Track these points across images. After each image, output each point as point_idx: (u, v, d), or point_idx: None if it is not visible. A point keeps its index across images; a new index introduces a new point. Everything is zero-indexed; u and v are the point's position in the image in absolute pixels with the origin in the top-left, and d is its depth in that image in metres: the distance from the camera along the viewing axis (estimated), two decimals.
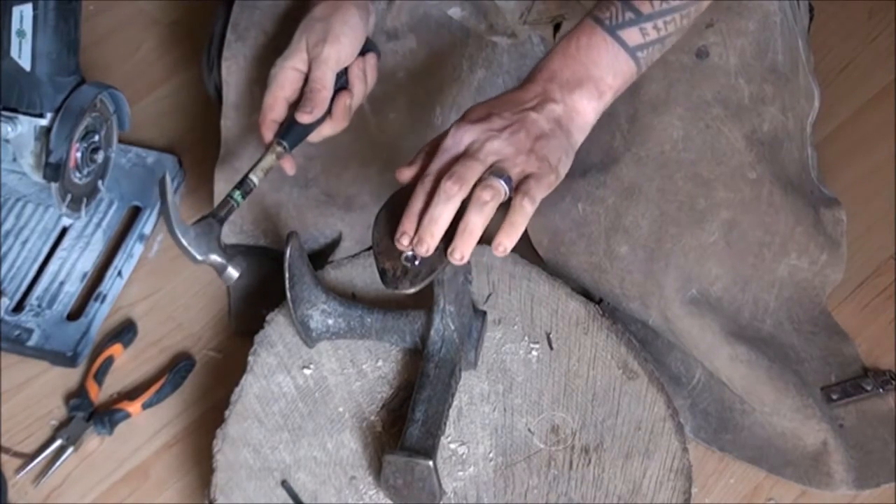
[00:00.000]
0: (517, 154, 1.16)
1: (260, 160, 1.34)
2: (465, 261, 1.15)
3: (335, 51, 1.35)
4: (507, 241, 1.14)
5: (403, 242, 1.16)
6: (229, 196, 1.31)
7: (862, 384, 1.47)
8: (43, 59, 1.40)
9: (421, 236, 1.15)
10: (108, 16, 1.82)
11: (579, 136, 1.21)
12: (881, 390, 1.46)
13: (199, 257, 1.27)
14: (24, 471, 1.41)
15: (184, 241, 1.26)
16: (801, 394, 1.41)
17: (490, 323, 1.43)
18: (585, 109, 1.20)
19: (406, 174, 1.21)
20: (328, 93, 1.35)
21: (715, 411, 1.44)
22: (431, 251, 1.15)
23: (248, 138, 1.54)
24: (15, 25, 1.38)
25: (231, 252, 1.31)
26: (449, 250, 1.15)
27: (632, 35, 1.21)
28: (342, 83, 1.38)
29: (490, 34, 1.55)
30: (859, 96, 1.76)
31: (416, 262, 1.17)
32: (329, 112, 1.36)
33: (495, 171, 1.15)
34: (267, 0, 1.54)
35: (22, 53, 1.40)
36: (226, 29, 1.54)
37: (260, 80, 1.52)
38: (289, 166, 1.37)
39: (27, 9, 1.37)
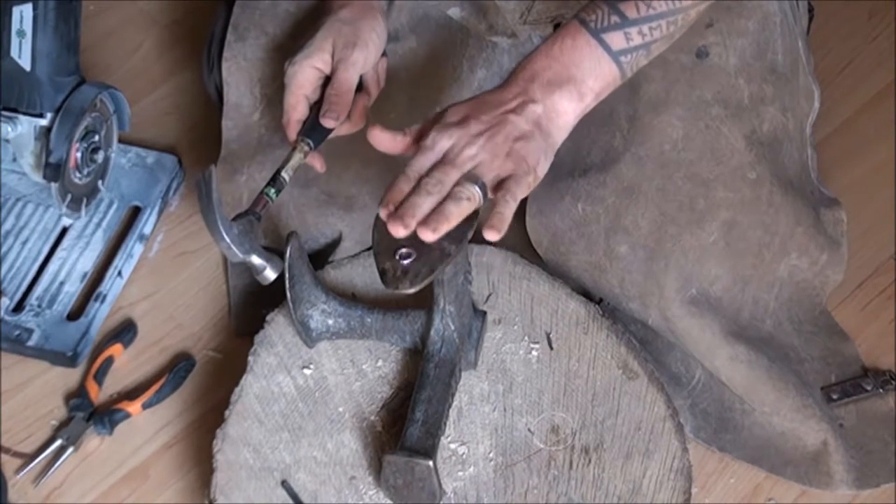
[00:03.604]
0: (493, 159, 1.18)
1: (288, 159, 1.33)
2: (435, 237, 1.14)
3: (363, 56, 1.36)
4: (499, 224, 1.15)
5: (390, 208, 1.16)
6: (264, 192, 1.30)
7: (862, 384, 1.47)
8: (43, 59, 1.40)
9: (402, 213, 1.15)
10: (108, 16, 1.82)
11: (559, 136, 1.22)
12: (881, 390, 1.46)
13: (240, 255, 1.25)
14: (24, 471, 1.41)
15: (227, 239, 1.23)
16: (801, 394, 1.41)
17: (490, 323, 1.43)
18: (566, 110, 1.21)
19: (377, 135, 1.22)
20: (352, 96, 1.36)
21: (715, 411, 1.44)
22: (410, 230, 1.15)
23: (248, 138, 1.54)
24: (15, 25, 1.38)
25: (268, 252, 1.29)
26: (422, 223, 1.15)
27: (616, 39, 1.21)
28: (358, 85, 1.38)
29: (490, 34, 1.55)
30: (859, 96, 1.75)
31: (411, 261, 1.17)
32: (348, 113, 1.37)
33: (471, 176, 1.17)
34: (267, 0, 1.54)
35: (22, 53, 1.40)
36: (226, 29, 1.54)
37: (261, 80, 1.53)
38: (318, 164, 1.38)
39: (27, 9, 1.37)
